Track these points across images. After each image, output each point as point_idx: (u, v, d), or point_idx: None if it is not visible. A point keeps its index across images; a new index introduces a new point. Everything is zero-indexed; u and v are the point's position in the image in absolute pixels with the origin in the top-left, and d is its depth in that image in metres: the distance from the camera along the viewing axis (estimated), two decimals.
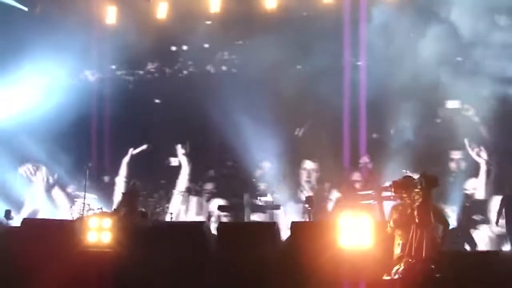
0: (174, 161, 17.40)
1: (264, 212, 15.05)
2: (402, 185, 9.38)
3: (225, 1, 16.54)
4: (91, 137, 17.22)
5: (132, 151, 17.58)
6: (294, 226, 11.78)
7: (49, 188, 17.17)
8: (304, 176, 16.35)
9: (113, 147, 17.55)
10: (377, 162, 15.72)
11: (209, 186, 17.01)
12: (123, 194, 13.46)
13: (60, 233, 11.77)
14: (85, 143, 17.19)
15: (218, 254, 11.53)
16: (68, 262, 11.01)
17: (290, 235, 11.70)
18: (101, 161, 17.38)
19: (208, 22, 16.87)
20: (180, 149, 17.38)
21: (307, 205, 14.74)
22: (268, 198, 14.66)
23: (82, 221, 11.94)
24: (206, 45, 17.63)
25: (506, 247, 13.95)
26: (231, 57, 17.88)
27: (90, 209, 14.83)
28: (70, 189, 16.98)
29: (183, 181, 17.21)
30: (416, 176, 9.25)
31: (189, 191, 16.99)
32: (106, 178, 17.47)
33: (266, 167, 16.23)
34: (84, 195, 14.66)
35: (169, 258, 11.33)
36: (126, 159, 17.52)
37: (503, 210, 14.10)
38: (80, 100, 16.97)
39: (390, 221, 9.31)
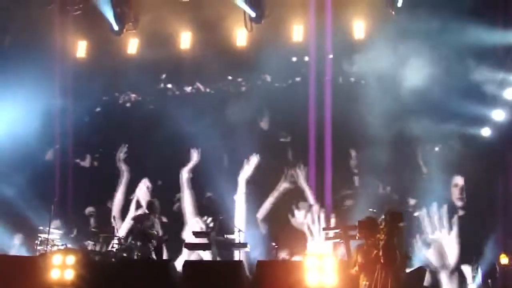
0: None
1: (230, 250, 14.99)
2: (367, 225, 9.46)
3: (194, 39, 16.73)
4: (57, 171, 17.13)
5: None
6: (260, 264, 11.77)
7: None
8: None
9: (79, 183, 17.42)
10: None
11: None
12: None
13: (22, 269, 11.59)
14: (51, 176, 17.07)
15: None
16: None
17: (256, 274, 11.67)
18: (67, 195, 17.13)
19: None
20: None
21: (273, 244, 14.75)
22: (235, 236, 14.58)
23: (45, 258, 11.77)
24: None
25: None
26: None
27: (54, 245, 14.57)
28: None
29: None
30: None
31: None
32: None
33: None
34: (49, 230, 14.41)
35: None
36: None
37: None
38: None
39: (355, 263, 9.35)
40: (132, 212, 17.30)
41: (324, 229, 14.50)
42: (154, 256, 13.54)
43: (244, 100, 16.62)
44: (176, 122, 16.22)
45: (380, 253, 8.99)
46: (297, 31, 16.25)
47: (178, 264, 12.72)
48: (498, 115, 15.43)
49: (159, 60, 16.90)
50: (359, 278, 9.35)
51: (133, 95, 18.07)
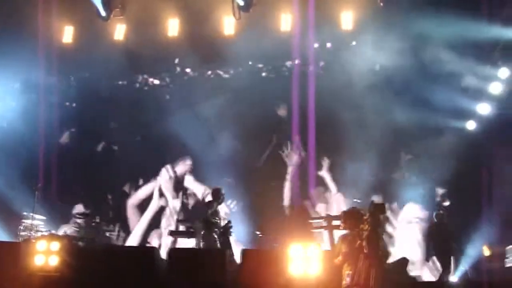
0: None
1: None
2: (352, 216, 9.58)
3: (182, 26, 16.64)
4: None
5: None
6: (245, 253, 11.82)
7: None
8: None
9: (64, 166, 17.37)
10: None
11: None
12: None
13: (6, 255, 11.53)
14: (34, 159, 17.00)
15: (168, 280, 11.45)
16: (14, 286, 10.80)
17: (241, 262, 11.72)
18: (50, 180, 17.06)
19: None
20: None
21: (258, 233, 14.80)
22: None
23: (29, 244, 11.71)
24: None
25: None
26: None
27: (38, 231, 14.50)
28: None
29: None
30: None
31: None
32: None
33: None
34: (32, 216, 14.35)
35: (118, 283, 11.21)
36: None
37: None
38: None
39: (338, 253, 9.45)
40: (155, 200, 17.29)
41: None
42: (219, 245, 13.24)
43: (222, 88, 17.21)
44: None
45: (364, 243, 9.11)
46: (285, 20, 16.23)
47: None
48: (484, 108, 15.58)
49: (145, 46, 16.84)
50: (343, 268, 9.46)
51: (120, 81, 18.10)
